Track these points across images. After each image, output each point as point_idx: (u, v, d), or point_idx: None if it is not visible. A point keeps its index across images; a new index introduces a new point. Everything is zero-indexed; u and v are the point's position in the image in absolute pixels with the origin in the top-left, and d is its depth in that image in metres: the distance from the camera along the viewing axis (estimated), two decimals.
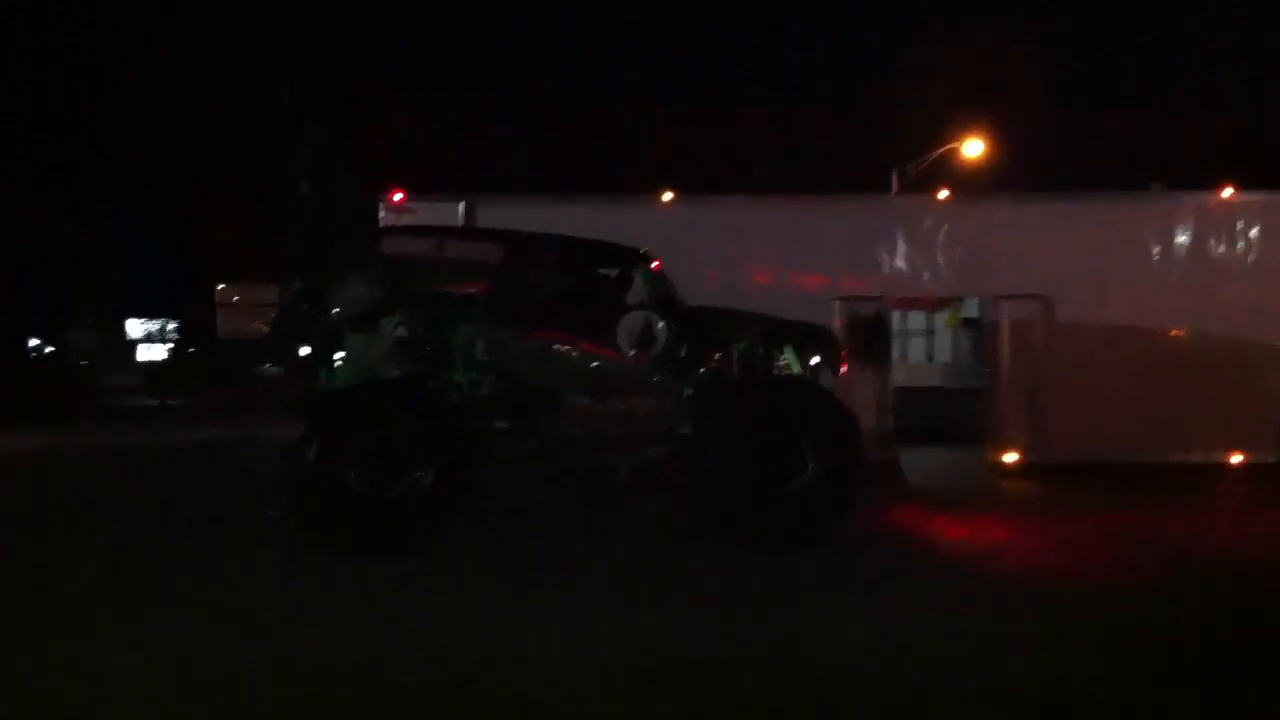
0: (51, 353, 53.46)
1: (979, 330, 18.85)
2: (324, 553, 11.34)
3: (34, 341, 54.49)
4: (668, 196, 17.55)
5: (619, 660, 8.00)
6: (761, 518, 12.06)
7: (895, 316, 18.82)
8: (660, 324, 12.85)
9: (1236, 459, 16.68)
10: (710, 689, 7.36)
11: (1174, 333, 16.96)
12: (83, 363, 48.19)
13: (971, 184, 26.90)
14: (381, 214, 16.69)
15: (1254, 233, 17.15)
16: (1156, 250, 17.16)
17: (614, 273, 13.41)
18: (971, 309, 19.90)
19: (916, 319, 21.15)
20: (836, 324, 16.08)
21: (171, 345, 58.75)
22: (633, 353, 12.80)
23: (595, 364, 12.87)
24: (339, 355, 13.02)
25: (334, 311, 12.89)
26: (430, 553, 11.53)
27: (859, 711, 6.94)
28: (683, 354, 13.01)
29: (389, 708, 6.99)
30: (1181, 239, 17.21)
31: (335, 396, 12.68)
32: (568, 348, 12.87)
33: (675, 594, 10.08)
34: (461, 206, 16.75)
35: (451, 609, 9.51)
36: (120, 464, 20.65)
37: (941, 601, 9.77)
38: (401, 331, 12.88)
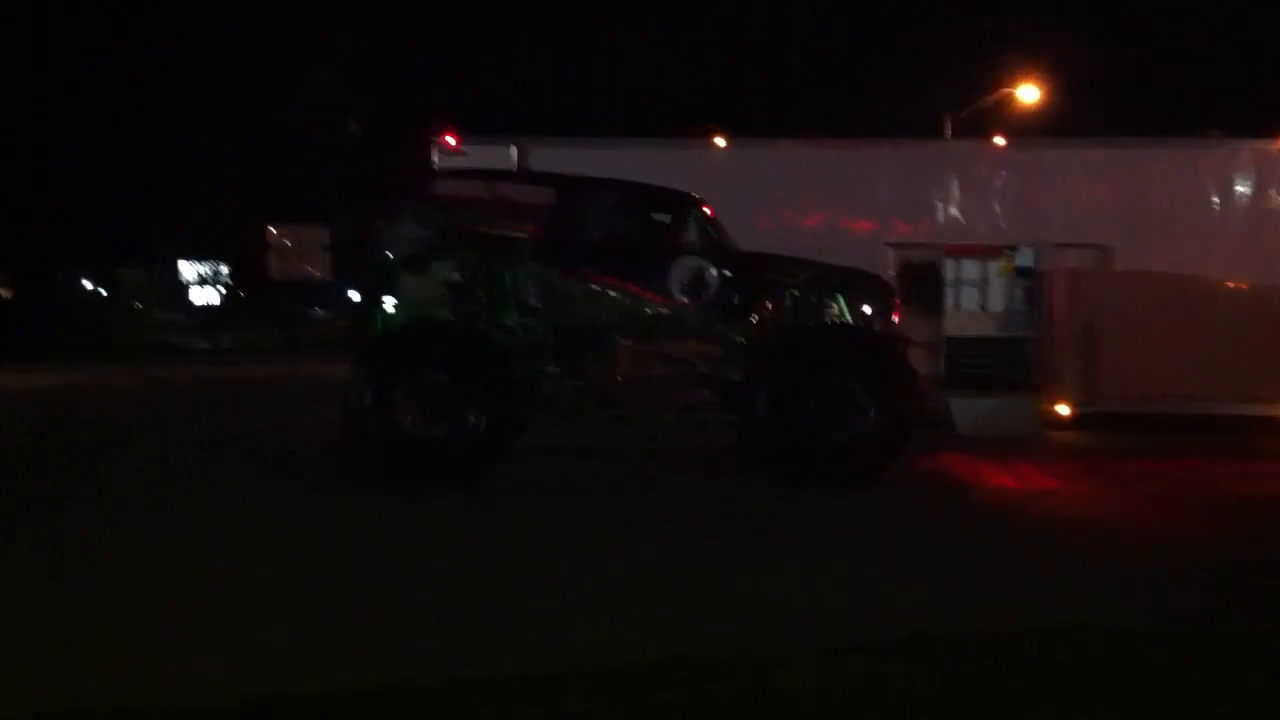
0: (102, 292, 54.06)
1: (1033, 279, 18.69)
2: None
3: (86, 282, 55.10)
4: (719, 140, 17.46)
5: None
6: (812, 462, 12.05)
7: (948, 264, 18.69)
8: (711, 269, 12.82)
9: None
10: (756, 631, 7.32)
11: (1231, 283, 16.72)
12: (135, 304, 48.76)
13: (1027, 129, 26.56)
14: (434, 156, 16.73)
15: None
16: (1215, 198, 16.93)
17: (665, 217, 13.38)
18: (1026, 257, 19.72)
19: (970, 267, 20.98)
20: (888, 271, 15.98)
21: (224, 287, 59.17)
22: (684, 297, 12.78)
23: (645, 308, 12.87)
24: (392, 297, 13.11)
25: (387, 254, 12.96)
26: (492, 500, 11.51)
27: (932, 654, 6.87)
28: (734, 299, 12.98)
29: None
30: (1240, 187, 16.97)
31: (388, 338, 12.77)
32: (618, 292, 12.87)
33: (724, 536, 10.06)
34: (513, 149, 16.74)
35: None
36: (166, 400, 20.86)
37: (995, 549, 9.70)
38: (454, 274, 12.93)
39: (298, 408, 18.20)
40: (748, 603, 7.93)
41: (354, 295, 44.51)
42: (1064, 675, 6.45)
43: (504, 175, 14.55)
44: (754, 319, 13.09)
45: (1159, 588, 8.47)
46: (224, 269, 59.41)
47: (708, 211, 13.26)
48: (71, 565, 8.76)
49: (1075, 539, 10.17)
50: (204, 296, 59.48)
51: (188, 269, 61.52)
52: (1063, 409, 16.70)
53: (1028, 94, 28.02)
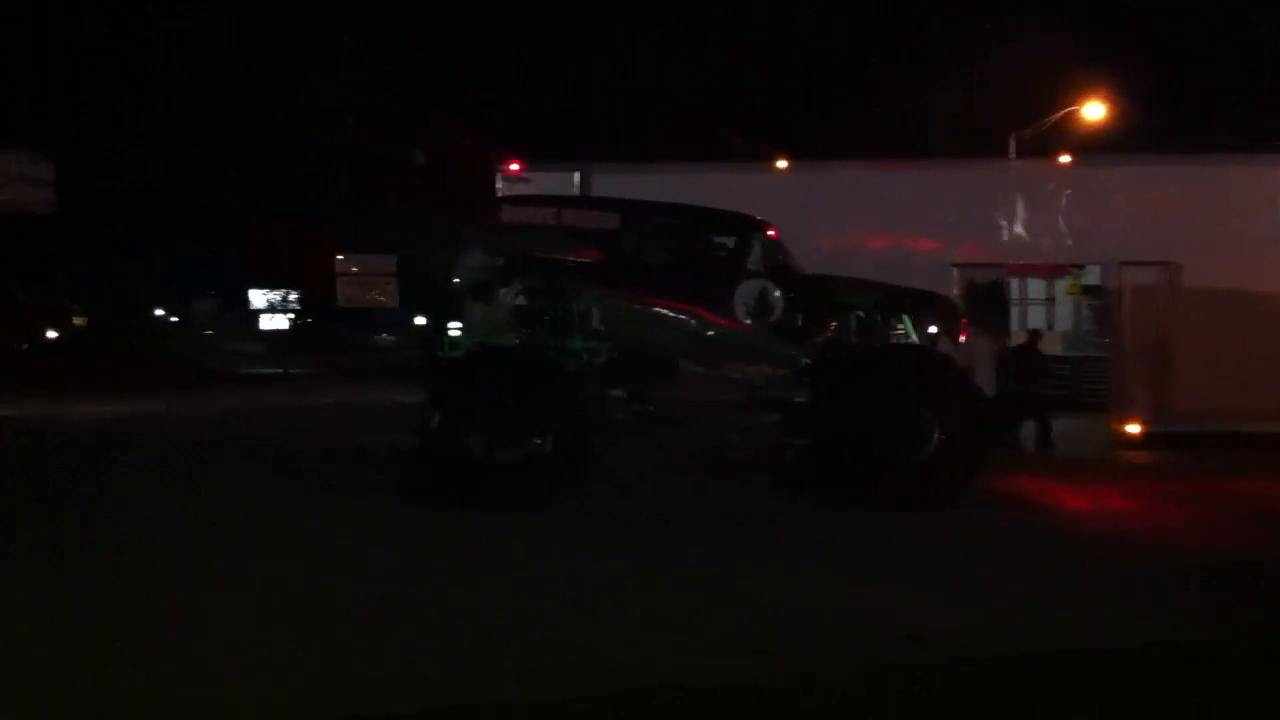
0: (175, 322, 54.97)
1: (1101, 297, 18.54)
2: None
3: (159, 311, 56.03)
4: (782, 163, 17.48)
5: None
6: (881, 485, 12.00)
7: (1013, 283, 18.59)
8: (776, 292, 12.84)
9: None
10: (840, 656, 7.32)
11: None
12: (206, 332, 49.52)
13: (1093, 147, 26.34)
14: (498, 183, 16.88)
15: None
16: None
17: (730, 240, 13.42)
18: (1093, 276, 19.58)
19: (1035, 286, 20.85)
20: (954, 291, 15.90)
21: (292, 314, 59.94)
22: (748, 320, 12.80)
23: (711, 332, 12.90)
24: (458, 323, 13.24)
25: (454, 281, 13.09)
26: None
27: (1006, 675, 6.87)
28: (799, 322, 12.98)
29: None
30: None
31: (455, 364, 12.90)
32: (683, 315, 12.90)
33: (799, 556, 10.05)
34: (577, 175, 16.86)
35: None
36: (240, 427, 21.10)
37: (1066, 570, 9.62)
38: (520, 299, 13.04)
39: (368, 433, 18.33)
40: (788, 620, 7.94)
41: (420, 322, 45.02)
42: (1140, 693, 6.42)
43: (569, 201, 14.66)
44: (819, 341, 13.07)
45: (1220, 605, 8.41)
46: (292, 296, 60.18)
47: (772, 234, 13.27)
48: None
49: (1142, 559, 10.08)
50: (273, 323, 60.32)
51: (257, 297, 62.42)
52: (1133, 428, 16.52)
53: (1093, 111, 27.81)
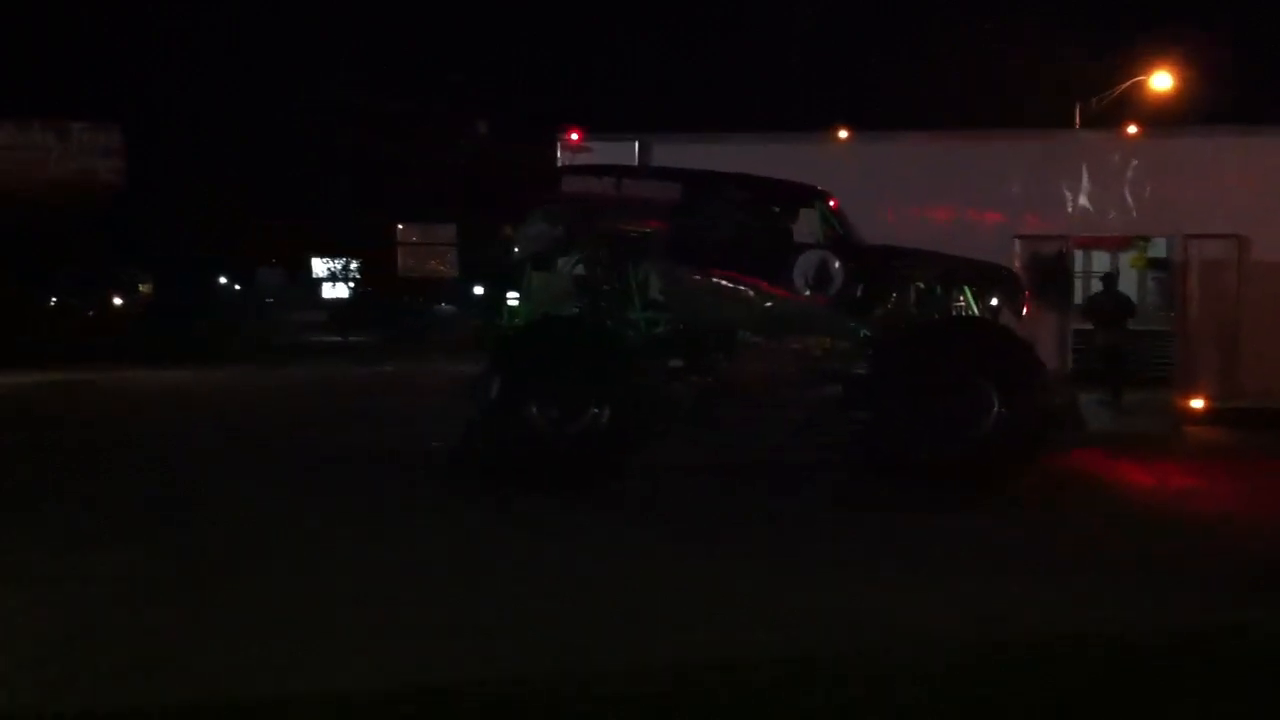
0: (239, 290, 55.47)
1: (1167, 271, 18.26)
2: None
3: (223, 280, 56.56)
4: (843, 133, 17.33)
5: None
6: (942, 461, 11.92)
7: (1078, 256, 18.34)
8: (837, 263, 12.76)
9: None
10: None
11: None
12: (268, 300, 49.95)
13: (1159, 118, 25.93)
14: (558, 153, 16.87)
15: None
16: None
17: (790, 211, 13.35)
18: (1159, 249, 19.28)
19: (1100, 259, 20.56)
20: (1016, 263, 15.72)
21: (353, 282, 60.38)
22: (809, 292, 12.73)
23: (771, 303, 12.84)
24: (519, 293, 13.27)
25: (516, 251, 13.12)
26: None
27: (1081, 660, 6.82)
28: (860, 293, 12.89)
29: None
30: None
31: (516, 334, 12.93)
32: (743, 287, 12.86)
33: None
34: (636, 145, 16.81)
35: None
36: (305, 398, 21.28)
37: (1134, 551, 9.52)
38: (580, 270, 13.04)
39: (428, 405, 18.39)
40: (860, 609, 7.88)
41: (479, 291, 45.12)
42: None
43: (630, 171, 14.62)
44: (880, 313, 12.98)
45: None
46: (353, 264, 60.59)
47: (833, 205, 13.19)
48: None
49: (1223, 541, 9.96)
50: (334, 292, 60.76)
51: (319, 265, 62.89)
52: (1200, 404, 16.29)
53: (1161, 81, 27.37)
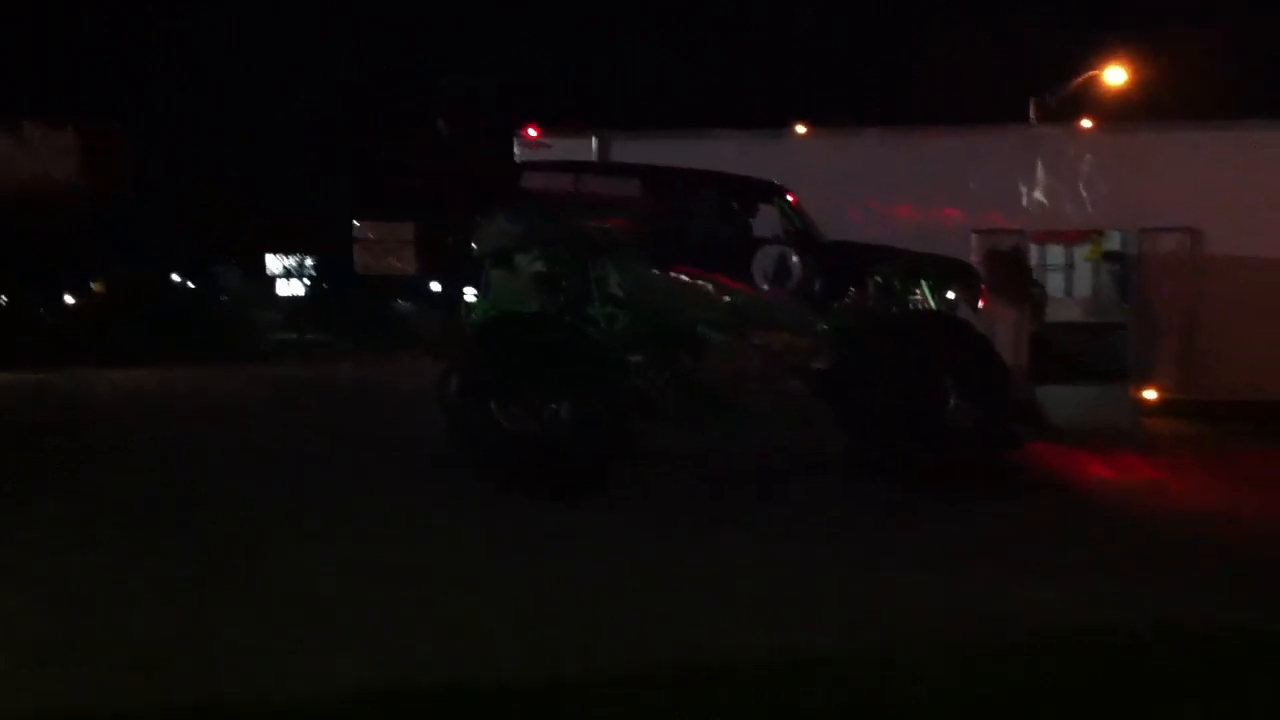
0: (194, 290, 54.92)
1: (1122, 264, 18.41)
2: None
3: (176, 277, 55.95)
4: (802, 129, 17.39)
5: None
6: (906, 455, 11.97)
7: (1034, 250, 18.46)
8: (796, 258, 12.77)
9: None
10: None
11: None
12: (223, 298, 49.52)
13: (1115, 112, 26.14)
14: (516, 150, 16.83)
15: None
16: None
17: (750, 207, 13.37)
18: (1114, 242, 19.44)
19: (1055, 252, 20.72)
20: (974, 258, 15.81)
21: (308, 279, 59.92)
22: (769, 287, 12.75)
23: (731, 298, 12.84)
24: (480, 290, 13.22)
25: (477, 248, 13.06)
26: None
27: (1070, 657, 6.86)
28: (819, 288, 12.92)
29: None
30: None
31: (480, 334, 12.87)
32: (703, 282, 12.85)
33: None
34: (595, 141, 16.79)
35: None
36: (268, 399, 21.13)
37: (1100, 545, 9.59)
38: (540, 267, 12.99)
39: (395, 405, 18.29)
40: (859, 602, 7.93)
41: (437, 288, 44.96)
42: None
43: (590, 168, 14.60)
44: (840, 308, 13.02)
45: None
46: (309, 261, 60.13)
47: (792, 200, 13.23)
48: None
49: (1188, 533, 10.04)
50: (290, 288, 60.27)
51: (274, 262, 62.36)
52: (1156, 396, 16.43)
53: (1115, 76, 27.56)
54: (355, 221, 32.39)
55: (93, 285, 43.19)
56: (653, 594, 8.07)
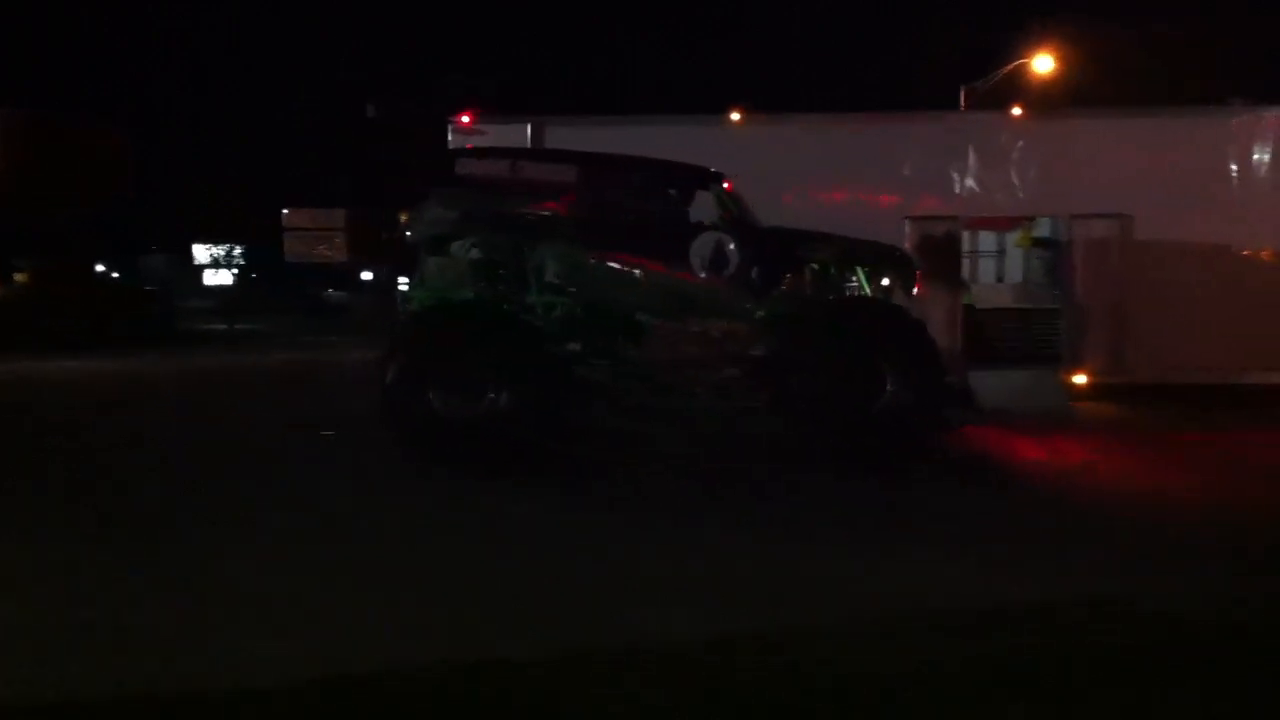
0: (118, 279, 54.04)
1: (1052, 249, 18.61)
2: None
3: (100, 268, 55.02)
4: (737, 116, 17.41)
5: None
6: (842, 440, 12.05)
7: (966, 236, 18.61)
8: (732, 245, 12.79)
9: None
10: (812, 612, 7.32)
11: (1254, 252, 16.63)
12: (148, 288, 48.73)
13: (1046, 100, 26.42)
14: (450, 136, 16.71)
15: None
16: (1236, 167, 16.81)
17: (686, 193, 13.35)
18: (1043, 228, 19.65)
19: (987, 239, 20.90)
20: (908, 244, 15.91)
21: (236, 269, 59.34)
22: (705, 274, 12.76)
23: (668, 285, 12.84)
24: (415, 277, 13.13)
25: (411, 235, 12.96)
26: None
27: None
28: (756, 275, 12.94)
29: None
30: (1263, 155, 16.84)
31: (415, 320, 12.77)
32: (640, 269, 12.84)
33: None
34: (529, 128, 16.71)
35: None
36: (202, 388, 20.82)
37: (1042, 525, 9.70)
38: (476, 254, 12.91)
39: (330, 391, 18.09)
40: (806, 583, 7.93)
41: (368, 277, 44.64)
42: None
43: (525, 154, 14.53)
44: (777, 294, 13.05)
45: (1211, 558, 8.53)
46: (237, 251, 59.53)
47: (728, 186, 13.22)
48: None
49: (1124, 513, 10.17)
50: (217, 279, 59.62)
51: (201, 252, 61.66)
52: (1086, 380, 16.63)
53: (1042, 64, 27.87)
54: (284, 210, 32.09)
55: (16, 276, 42.32)
56: (593, 579, 8.05)
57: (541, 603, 7.42)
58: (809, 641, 6.56)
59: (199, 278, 59.10)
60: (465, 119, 16.81)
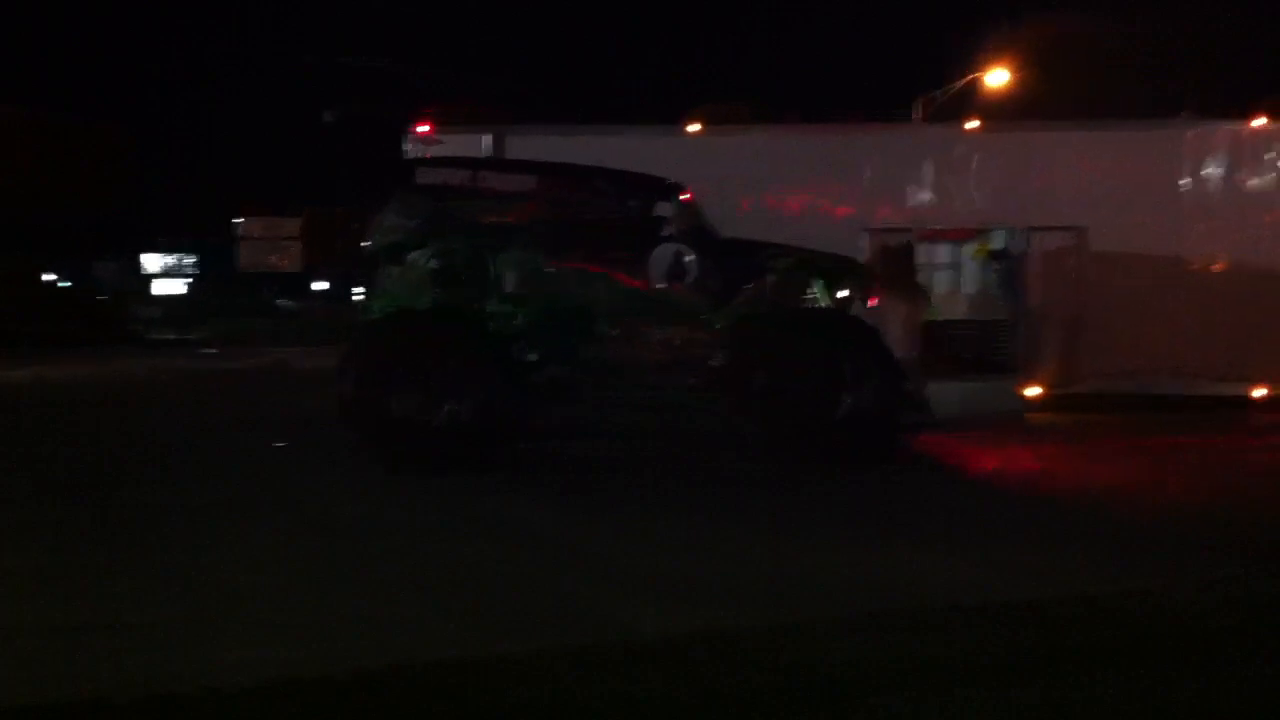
0: (68, 287, 53.46)
1: (1006, 261, 18.74)
2: None
3: (49, 276, 54.45)
4: (694, 127, 17.43)
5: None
6: (800, 446, 12.13)
7: (922, 248, 18.71)
8: (691, 255, 12.85)
9: (1260, 392, 16.65)
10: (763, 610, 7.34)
11: (1205, 264, 16.84)
12: (99, 297, 48.24)
13: (1002, 113, 26.63)
14: (408, 145, 16.63)
15: None
16: (1188, 180, 17.01)
17: (645, 203, 13.36)
18: (999, 240, 19.79)
19: (942, 250, 21.03)
20: (866, 256, 16.00)
21: (189, 278, 58.75)
22: (663, 283, 12.79)
23: (626, 294, 12.87)
24: (374, 286, 13.11)
25: (370, 243, 12.94)
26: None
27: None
28: (713, 285, 12.98)
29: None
30: (1214, 168, 17.04)
31: (374, 327, 12.74)
32: (598, 278, 12.86)
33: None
34: (489, 138, 16.66)
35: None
36: (157, 394, 20.62)
37: (1008, 524, 9.81)
38: (435, 262, 12.89)
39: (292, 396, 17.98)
40: (776, 578, 8.01)
41: (321, 286, 44.37)
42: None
43: (484, 163, 14.50)
44: (735, 304, 13.09)
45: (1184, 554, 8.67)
46: (189, 259, 58.94)
47: (686, 197, 13.25)
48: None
49: (1083, 511, 10.33)
50: (168, 286, 59.01)
51: (152, 261, 61.02)
52: (1041, 390, 16.77)
53: (997, 78, 28.10)
54: (237, 218, 31.85)
55: None
56: (562, 575, 8.10)
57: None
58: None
59: (149, 285, 58.46)
60: (424, 128, 16.72)
